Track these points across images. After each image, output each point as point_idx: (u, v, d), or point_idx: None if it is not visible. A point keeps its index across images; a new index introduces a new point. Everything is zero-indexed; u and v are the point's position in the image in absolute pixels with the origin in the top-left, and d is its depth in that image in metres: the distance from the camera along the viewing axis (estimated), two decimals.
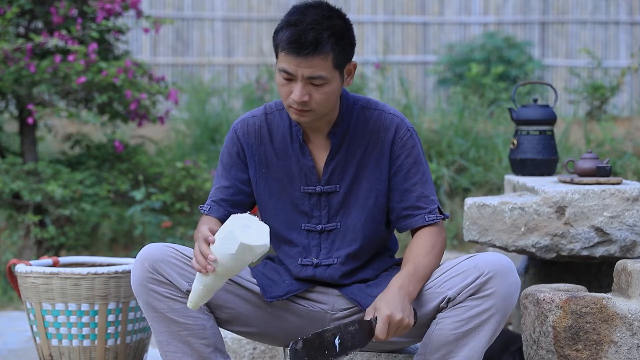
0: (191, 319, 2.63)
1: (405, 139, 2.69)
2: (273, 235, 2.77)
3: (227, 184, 2.77)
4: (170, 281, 2.62)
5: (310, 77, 2.55)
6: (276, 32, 2.59)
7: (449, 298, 2.58)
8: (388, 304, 2.52)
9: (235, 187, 2.77)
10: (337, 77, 2.59)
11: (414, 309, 2.58)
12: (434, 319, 2.61)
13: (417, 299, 2.62)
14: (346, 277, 2.73)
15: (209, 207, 2.78)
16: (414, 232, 2.73)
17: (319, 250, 2.73)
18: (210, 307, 2.69)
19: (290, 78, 2.57)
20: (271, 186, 2.74)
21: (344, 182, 2.70)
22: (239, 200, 2.77)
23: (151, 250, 2.64)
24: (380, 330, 2.51)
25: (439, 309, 2.61)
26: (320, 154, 2.71)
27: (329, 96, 2.59)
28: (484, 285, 2.55)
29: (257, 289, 2.73)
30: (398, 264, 2.79)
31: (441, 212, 2.71)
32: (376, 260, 2.78)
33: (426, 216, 2.69)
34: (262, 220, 2.74)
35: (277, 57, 2.60)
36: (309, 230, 2.73)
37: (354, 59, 2.66)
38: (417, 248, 2.67)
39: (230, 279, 2.69)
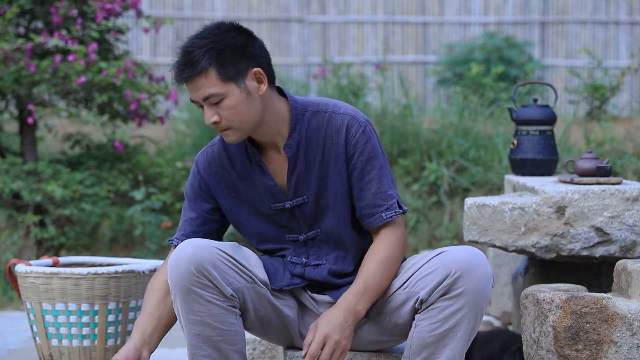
0: (226, 324, 2.57)
1: (357, 136, 2.63)
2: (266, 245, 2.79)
3: (194, 215, 2.76)
4: (215, 285, 2.54)
5: (204, 98, 2.54)
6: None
7: (422, 299, 2.57)
8: (328, 324, 2.52)
9: (202, 217, 2.76)
10: (233, 89, 2.54)
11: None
12: (414, 319, 2.60)
13: (393, 299, 2.62)
14: (336, 276, 2.71)
15: (179, 241, 2.74)
16: (373, 230, 2.68)
17: (307, 255, 2.73)
18: (242, 310, 2.64)
19: (199, 105, 2.57)
20: (244, 208, 2.72)
21: (310, 192, 2.66)
22: (208, 229, 2.77)
23: (198, 251, 2.54)
24: (313, 349, 2.51)
25: (415, 310, 2.60)
26: (281, 170, 2.68)
27: (234, 110, 2.55)
28: (453, 285, 2.53)
29: (286, 310, 2.69)
30: None
31: (400, 207, 2.66)
32: None
33: (383, 214, 2.63)
34: (250, 239, 2.76)
35: None
36: (293, 240, 2.73)
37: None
38: (370, 260, 2.62)
39: (265, 286, 2.65)
